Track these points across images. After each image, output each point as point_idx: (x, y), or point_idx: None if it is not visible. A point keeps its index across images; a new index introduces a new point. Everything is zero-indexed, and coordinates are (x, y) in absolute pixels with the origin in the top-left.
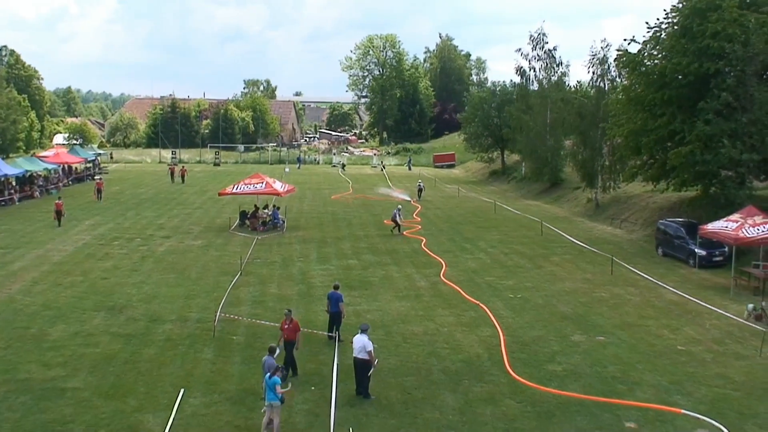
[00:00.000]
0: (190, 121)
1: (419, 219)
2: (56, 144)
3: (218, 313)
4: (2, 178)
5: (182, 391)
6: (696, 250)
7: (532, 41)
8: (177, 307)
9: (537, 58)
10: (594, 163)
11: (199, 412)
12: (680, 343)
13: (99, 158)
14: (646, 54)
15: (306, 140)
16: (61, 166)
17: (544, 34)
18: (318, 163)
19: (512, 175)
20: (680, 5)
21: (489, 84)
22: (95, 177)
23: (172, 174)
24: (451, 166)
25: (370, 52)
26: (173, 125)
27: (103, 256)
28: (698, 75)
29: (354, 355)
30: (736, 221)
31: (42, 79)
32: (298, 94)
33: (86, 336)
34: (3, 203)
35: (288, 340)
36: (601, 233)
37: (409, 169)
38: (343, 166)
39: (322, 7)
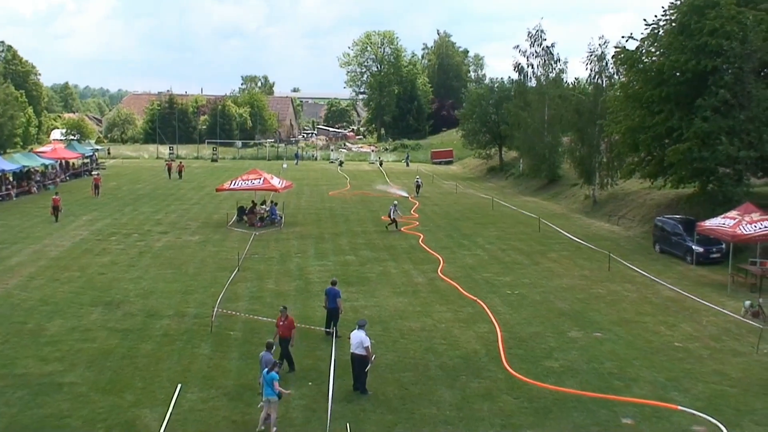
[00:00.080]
0: (187, 116)
1: (417, 215)
2: (54, 140)
3: (216, 309)
4: None
5: (179, 386)
6: (693, 246)
7: (530, 38)
8: (174, 302)
9: (535, 54)
10: (592, 159)
11: (197, 407)
12: (677, 340)
13: (96, 154)
14: (644, 51)
15: (304, 136)
16: (59, 161)
17: (542, 31)
18: (316, 159)
19: (510, 171)
20: (678, 2)
21: (487, 81)
22: (92, 173)
23: (169, 170)
24: (449, 163)
25: (368, 48)
26: (171, 121)
27: (101, 252)
28: (696, 72)
29: (351, 350)
30: (734, 218)
31: (39, 74)
32: (295, 90)
33: (83, 331)
34: (0, 199)
35: (283, 337)
36: (598, 230)
37: (407, 165)
38: (341, 163)
39: (319, 3)
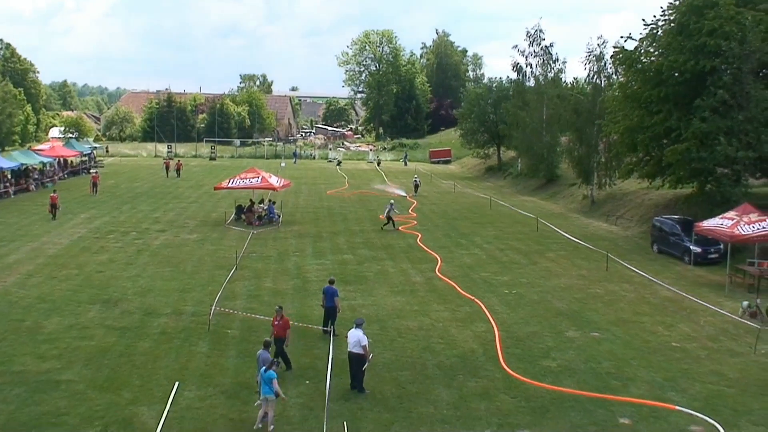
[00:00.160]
0: (186, 115)
1: (415, 214)
2: (52, 137)
3: (213, 307)
4: None
5: (177, 384)
6: (691, 247)
7: (529, 37)
8: (172, 300)
9: (533, 54)
10: (590, 159)
11: (194, 405)
12: (675, 340)
13: (95, 152)
14: (642, 51)
15: (302, 135)
16: (57, 159)
17: (540, 31)
18: (314, 158)
19: (508, 171)
20: (677, 2)
21: (485, 80)
22: (91, 170)
23: (167, 168)
24: (447, 162)
25: (367, 47)
26: (169, 119)
27: (99, 250)
28: (695, 72)
29: (349, 349)
30: (732, 219)
31: (38, 72)
32: (294, 89)
33: (81, 329)
34: None
35: (277, 337)
36: (596, 230)
37: (405, 164)
38: (339, 163)
39: (318, 2)
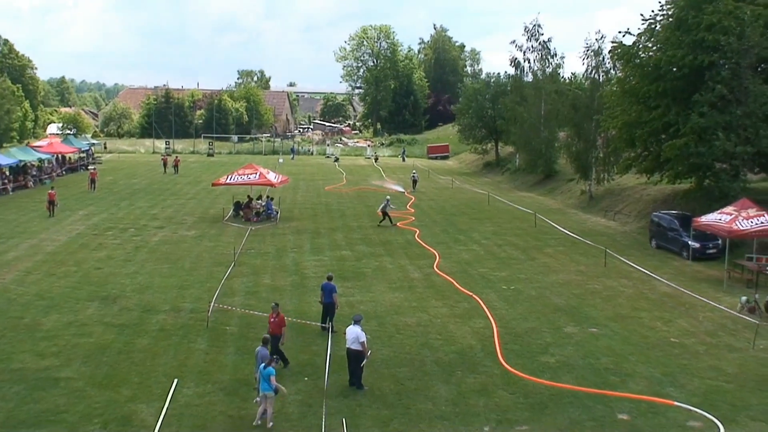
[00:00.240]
0: (183, 111)
1: (413, 210)
2: (50, 134)
3: (212, 304)
4: None
5: (176, 381)
6: (689, 242)
7: (527, 32)
8: (170, 297)
9: (532, 49)
10: (588, 155)
11: (193, 402)
12: (673, 336)
13: (93, 148)
14: (640, 46)
15: (300, 131)
16: (55, 155)
17: (539, 26)
18: (312, 154)
19: (506, 166)
20: None
21: (483, 75)
22: (89, 167)
23: (164, 164)
24: (445, 158)
25: (364, 42)
26: (167, 115)
27: (97, 246)
28: (693, 67)
29: (347, 346)
30: (730, 214)
31: (36, 68)
32: (292, 84)
33: (80, 326)
34: None
35: (273, 334)
36: (594, 225)
37: (403, 160)
38: (337, 159)
39: None
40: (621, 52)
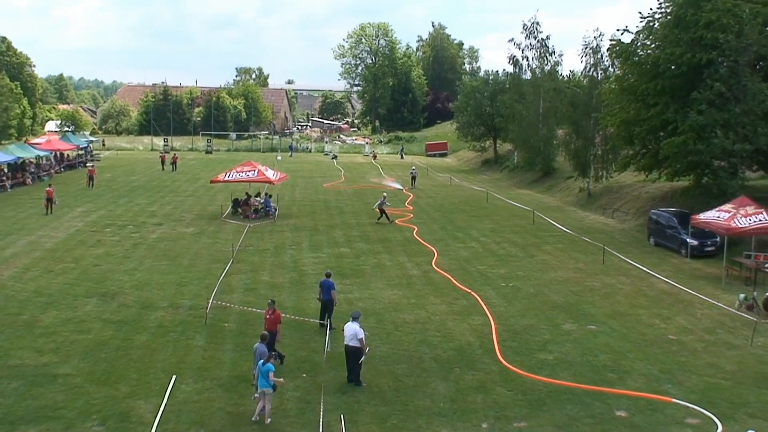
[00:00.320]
0: (182, 108)
1: (411, 207)
2: (48, 131)
3: (210, 301)
4: None
5: (174, 377)
6: (688, 239)
7: (526, 30)
8: (169, 294)
9: (530, 47)
10: (586, 152)
11: (191, 399)
12: (671, 333)
13: (91, 145)
14: (639, 44)
15: (298, 128)
16: (53, 153)
17: (537, 23)
18: (310, 151)
19: (504, 164)
20: None
21: (482, 73)
22: (87, 164)
23: (162, 162)
24: (444, 155)
25: (363, 40)
26: (165, 113)
27: (95, 243)
28: (691, 65)
29: (345, 342)
30: (729, 211)
31: (34, 66)
32: (290, 82)
33: (78, 322)
34: None
35: (269, 331)
36: (593, 223)
37: (402, 157)
38: (335, 156)
39: None
40: (619, 49)
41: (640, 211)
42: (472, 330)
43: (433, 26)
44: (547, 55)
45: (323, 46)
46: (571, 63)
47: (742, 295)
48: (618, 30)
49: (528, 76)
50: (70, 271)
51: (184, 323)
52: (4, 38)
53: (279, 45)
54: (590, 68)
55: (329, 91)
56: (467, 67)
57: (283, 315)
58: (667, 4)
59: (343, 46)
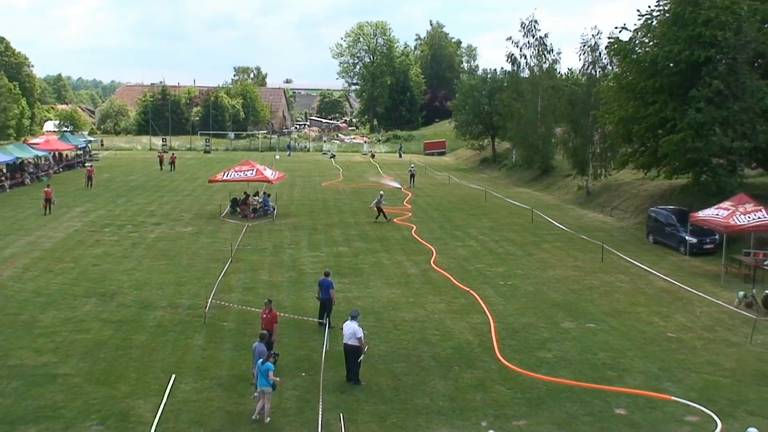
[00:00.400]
0: (180, 108)
1: (410, 206)
2: (47, 131)
3: (209, 300)
4: None
5: (173, 376)
6: (687, 237)
7: (524, 28)
8: (168, 293)
9: (528, 45)
10: (585, 150)
11: (191, 398)
12: (671, 330)
13: (89, 145)
14: (637, 42)
15: (296, 128)
16: (52, 153)
17: (535, 22)
18: (308, 150)
19: (503, 162)
20: None
21: (480, 71)
22: (86, 164)
23: (161, 161)
24: (442, 154)
25: (361, 39)
26: (163, 112)
27: (94, 243)
28: (690, 63)
29: (344, 341)
30: (727, 209)
31: (32, 66)
32: (288, 81)
33: (77, 322)
34: None
35: (265, 330)
36: (591, 221)
37: (400, 156)
38: (333, 155)
39: None
40: (618, 47)
41: (638, 209)
42: (471, 328)
43: (431, 25)
44: (546, 53)
45: (321, 45)
46: (570, 61)
47: (741, 293)
48: (616, 28)
49: (526, 74)
50: (69, 271)
51: (183, 323)
52: (3, 38)
53: (277, 45)
54: (588, 66)
55: (327, 90)
56: (465, 65)
57: (281, 314)
58: (665, 1)
59: (341, 45)
